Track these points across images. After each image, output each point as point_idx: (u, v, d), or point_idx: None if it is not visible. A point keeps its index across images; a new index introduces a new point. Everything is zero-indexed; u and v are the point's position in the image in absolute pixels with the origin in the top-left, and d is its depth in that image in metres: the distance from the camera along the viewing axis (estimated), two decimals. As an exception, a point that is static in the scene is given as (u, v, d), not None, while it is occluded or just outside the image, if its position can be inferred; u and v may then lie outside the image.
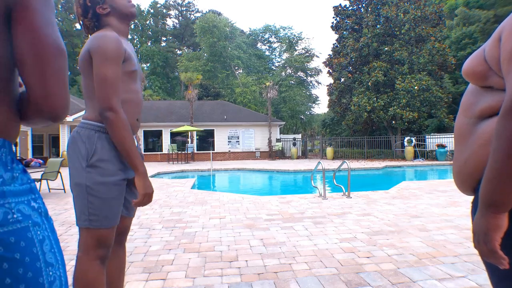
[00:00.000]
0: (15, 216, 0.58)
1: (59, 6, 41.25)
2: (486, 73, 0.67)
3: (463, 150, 0.73)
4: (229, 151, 22.00)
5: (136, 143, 1.44)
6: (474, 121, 0.70)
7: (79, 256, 1.39)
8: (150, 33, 47.10)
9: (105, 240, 1.41)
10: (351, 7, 22.31)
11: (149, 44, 45.85)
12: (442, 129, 21.01)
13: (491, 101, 0.67)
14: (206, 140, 22.00)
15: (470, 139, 0.71)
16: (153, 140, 21.81)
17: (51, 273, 0.62)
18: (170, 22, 50.76)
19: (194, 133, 21.20)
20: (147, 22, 47.13)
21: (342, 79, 22.29)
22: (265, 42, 43.32)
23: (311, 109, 41.20)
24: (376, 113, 18.69)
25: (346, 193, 5.96)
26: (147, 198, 1.40)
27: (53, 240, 0.65)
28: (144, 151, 21.29)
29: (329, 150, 19.85)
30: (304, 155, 22.71)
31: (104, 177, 1.36)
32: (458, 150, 0.76)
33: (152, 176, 11.00)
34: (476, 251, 2.80)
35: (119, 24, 1.48)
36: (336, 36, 23.53)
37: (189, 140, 20.91)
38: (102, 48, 1.30)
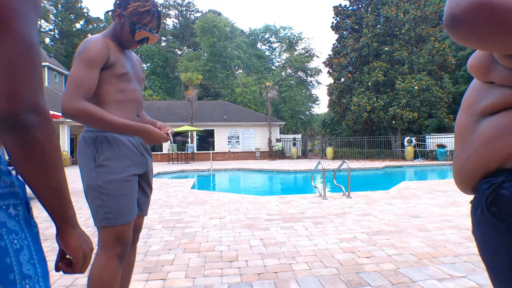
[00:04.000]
0: None
1: (59, 6, 41.24)
2: (490, 65, 0.67)
3: (464, 148, 0.73)
4: (229, 151, 22.00)
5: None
6: (476, 119, 0.70)
7: (97, 253, 1.42)
8: (150, 33, 47.04)
9: (123, 237, 1.43)
10: (351, 7, 22.31)
11: (149, 44, 45.84)
12: (442, 129, 21.01)
13: (493, 98, 0.66)
14: (206, 140, 22.01)
15: (471, 137, 0.70)
16: (153, 140, 21.80)
17: (27, 286, 0.57)
18: (170, 22, 50.77)
19: (194, 133, 21.20)
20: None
21: (342, 79, 22.29)
22: (265, 42, 43.34)
23: (311, 109, 41.22)
24: (376, 113, 18.70)
25: (346, 193, 5.96)
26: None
27: (34, 250, 0.59)
28: (144, 151, 21.28)
29: (329, 150, 19.85)
30: (304, 155, 22.71)
31: (113, 175, 1.41)
32: (459, 148, 0.75)
33: (152, 176, 11.00)
34: (476, 251, 2.80)
35: (117, 37, 1.54)
36: (336, 36, 23.55)
37: (189, 140, 20.91)
38: (79, 50, 1.39)
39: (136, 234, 1.67)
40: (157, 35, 1.60)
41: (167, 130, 1.61)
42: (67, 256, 0.78)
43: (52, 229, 3.86)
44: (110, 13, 1.55)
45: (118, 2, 1.52)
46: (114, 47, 1.52)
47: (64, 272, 0.79)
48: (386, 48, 19.26)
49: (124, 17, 1.50)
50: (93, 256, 1.33)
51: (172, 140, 1.64)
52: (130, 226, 1.47)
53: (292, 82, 36.20)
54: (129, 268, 1.67)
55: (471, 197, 0.73)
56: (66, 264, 0.78)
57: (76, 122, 1.43)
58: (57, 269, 0.78)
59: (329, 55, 23.60)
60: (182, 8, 50.35)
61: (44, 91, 0.65)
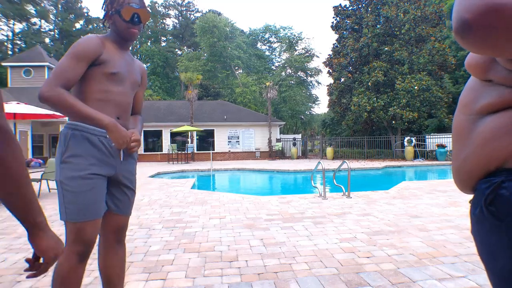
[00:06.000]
0: None
1: (59, 6, 41.24)
2: (488, 64, 0.66)
3: (462, 147, 0.73)
4: (229, 151, 22.00)
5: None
6: (474, 118, 0.69)
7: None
8: (149, 33, 47.10)
9: (84, 235, 1.44)
10: (351, 7, 22.30)
11: (149, 44, 45.85)
12: (442, 129, 21.00)
13: (490, 97, 0.66)
14: (206, 140, 22.01)
15: (470, 137, 0.70)
16: (153, 140, 21.81)
17: None
18: (170, 22, 50.80)
19: (194, 133, 21.20)
20: (146, 22, 47.11)
21: (342, 79, 22.27)
22: (265, 42, 43.35)
23: (311, 109, 41.22)
24: (376, 113, 18.69)
25: (346, 193, 5.96)
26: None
27: None
28: (144, 151, 21.30)
29: (329, 150, 19.85)
30: (304, 155, 22.71)
31: (74, 172, 1.43)
32: (457, 148, 0.75)
33: (152, 176, 11.01)
34: (476, 251, 2.80)
35: (117, 37, 1.60)
36: (336, 36, 23.53)
37: (189, 140, 20.91)
38: (72, 46, 1.46)
39: (120, 233, 1.68)
40: (145, 8, 1.61)
41: (131, 138, 1.59)
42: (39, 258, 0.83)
43: (53, 229, 3.86)
44: (105, 22, 1.63)
45: (104, 6, 1.60)
46: (112, 47, 1.57)
47: (28, 277, 0.85)
48: (386, 48, 19.25)
49: (112, 14, 1.56)
50: None
51: (123, 155, 1.61)
52: (92, 224, 1.46)
53: (292, 82, 36.20)
54: (119, 267, 1.68)
55: (471, 197, 0.73)
56: (37, 266, 0.83)
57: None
58: (27, 272, 0.84)
59: (329, 55, 23.58)
60: (182, 8, 50.34)
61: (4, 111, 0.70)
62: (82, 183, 1.44)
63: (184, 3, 50.03)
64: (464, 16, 0.52)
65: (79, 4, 43.08)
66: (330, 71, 23.29)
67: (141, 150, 21.08)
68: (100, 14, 1.67)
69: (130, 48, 1.73)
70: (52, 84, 1.35)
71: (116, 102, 1.57)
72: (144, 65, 1.90)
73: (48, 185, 7.32)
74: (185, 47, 48.65)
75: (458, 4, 0.55)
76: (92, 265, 2.65)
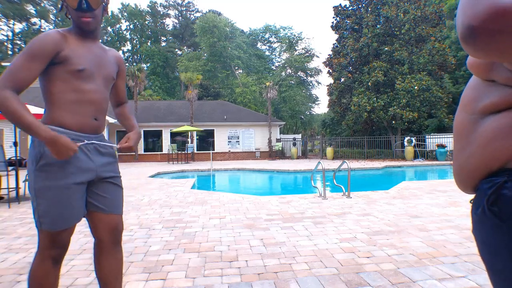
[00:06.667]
0: None
1: (59, 6, 41.25)
2: (491, 64, 0.66)
3: (463, 147, 0.72)
4: (229, 151, 22.01)
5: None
6: (476, 118, 0.69)
7: (36, 252, 1.44)
8: (149, 33, 47.09)
9: (60, 241, 1.42)
10: (351, 7, 22.30)
11: (149, 44, 45.85)
12: (442, 129, 21.00)
13: (493, 97, 0.65)
14: (206, 140, 22.02)
15: (472, 136, 0.69)
16: (153, 140, 21.82)
17: None
18: (169, 22, 50.80)
19: (194, 133, 21.21)
20: (146, 22, 47.12)
21: (342, 79, 22.28)
22: (265, 42, 43.36)
23: (311, 109, 41.24)
24: (376, 113, 18.69)
25: (346, 193, 5.96)
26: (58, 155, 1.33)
27: None
28: (144, 151, 21.31)
29: (329, 150, 19.85)
30: (304, 155, 22.71)
31: (51, 181, 1.36)
32: (459, 148, 0.74)
33: (152, 176, 11.01)
34: (476, 251, 2.80)
35: (77, 28, 1.49)
36: (336, 36, 23.54)
37: (189, 140, 20.91)
38: (29, 43, 1.36)
39: (115, 234, 1.61)
40: None
41: (124, 145, 1.55)
42: None
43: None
44: (66, 15, 1.54)
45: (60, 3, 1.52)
46: (76, 41, 1.45)
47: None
48: (386, 48, 19.26)
49: (63, 4, 1.48)
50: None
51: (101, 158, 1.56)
52: (65, 231, 1.43)
53: (292, 82, 36.22)
54: (116, 269, 1.62)
55: (471, 197, 0.73)
56: None
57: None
58: None
59: (329, 55, 23.59)
60: (182, 8, 50.34)
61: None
62: (59, 193, 1.37)
63: (184, 3, 50.03)
64: (470, 22, 0.51)
65: (79, 4, 43.02)
66: (330, 71, 23.30)
67: (141, 150, 21.09)
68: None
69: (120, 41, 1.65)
70: (0, 85, 1.24)
71: (90, 102, 1.46)
72: (120, 53, 1.75)
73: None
74: (185, 47, 48.64)
75: (463, 10, 0.54)
76: (92, 265, 2.65)
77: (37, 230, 1.45)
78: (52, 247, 1.41)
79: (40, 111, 6.30)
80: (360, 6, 21.73)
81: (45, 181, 1.36)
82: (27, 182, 7.45)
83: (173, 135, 21.05)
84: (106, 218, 1.57)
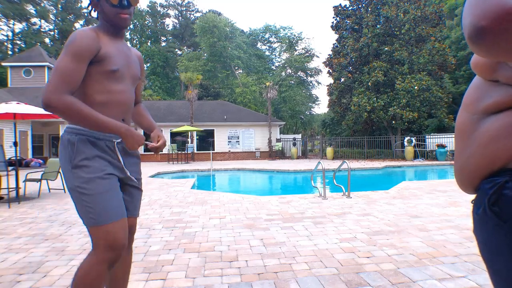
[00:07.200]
0: None
1: (59, 6, 41.24)
2: (496, 64, 0.66)
3: (465, 147, 0.72)
4: (229, 151, 22.00)
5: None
6: (478, 117, 0.69)
7: (89, 253, 1.38)
8: (149, 32, 47.09)
9: (114, 239, 1.36)
10: (351, 7, 22.30)
11: (149, 44, 45.85)
12: (442, 129, 21.01)
13: (497, 96, 0.65)
14: (206, 140, 22.01)
15: (473, 135, 0.69)
16: (153, 140, 21.79)
17: None
18: (169, 22, 50.78)
19: (194, 133, 21.20)
20: (146, 22, 47.11)
21: (342, 79, 22.29)
22: (265, 42, 43.36)
23: (311, 109, 41.25)
24: (376, 113, 18.69)
25: (346, 193, 5.96)
26: (134, 146, 1.43)
27: None
28: (144, 151, 21.30)
29: (329, 150, 19.85)
30: (304, 155, 22.71)
31: (91, 173, 1.35)
32: (460, 147, 0.74)
33: (152, 176, 11.01)
34: (476, 251, 2.80)
35: (109, 26, 1.46)
36: (336, 36, 23.54)
37: (189, 140, 20.91)
38: (69, 41, 1.31)
39: (129, 235, 1.61)
40: None
41: (155, 144, 1.57)
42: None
43: (52, 229, 3.86)
44: (92, 13, 1.49)
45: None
46: (107, 39, 1.42)
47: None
48: (386, 48, 19.26)
49: (99, 1, 1.43)
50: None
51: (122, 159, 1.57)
52: (120, 225, 1.39)
53: (292, 82, 36.23)
54: (124, 269, 1.62)
55: (472, 197, 0.73)
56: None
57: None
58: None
59: (329, 55, 23.59)
60: (182, 8, 50.32)
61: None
62: (101, 183, 1.36)
63: (184, 3, 50.00)
64: (479, 22, 0.51)
65: (79, 4, 43.06)
66: (330, 71, 23.30)
67: (141, 150, 21.09)
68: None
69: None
70: (59, 91, 1.22)
71: (119, 103, 1.45)
72: (139, 52, 1.77)
73: (48, 185, 7.32)
74: (185, 47, 48.64)
75: (471, 10, 0.53)
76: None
77: (89, 234, 1.38)
78: (109, 249, 1.35)
79: (41, 111, 6.31)
80: (360, 6, 21.74)
81: (85, 174, 1.35)
82: (45, 180, 7.45)
83: (173, 135, 21.04)
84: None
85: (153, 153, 1.62)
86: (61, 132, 17.55)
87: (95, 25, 1.47)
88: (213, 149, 21.46)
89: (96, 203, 1.34)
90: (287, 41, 39.03)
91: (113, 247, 1.36)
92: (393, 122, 18.82)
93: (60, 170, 6.94)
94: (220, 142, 22.01)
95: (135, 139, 1.40)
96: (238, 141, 22.23)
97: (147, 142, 1.62)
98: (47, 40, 40.82)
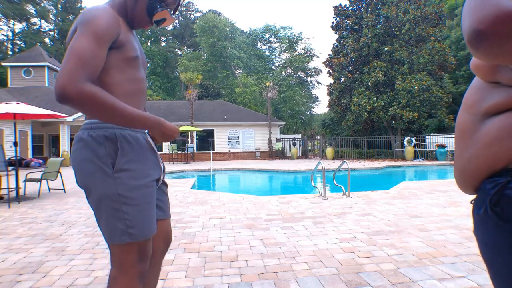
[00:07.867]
0: None
1: (59, 6, 41.24)
2: (495, 67, 0.66)
3: (466, 147, 0.72)
4: (229, 151, 22.00)
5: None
6: (479, 118, 0.69)
7: (115, 276, 1.15)
8: (149, 32, 47.09)
9: (146, 252, 1.20)
10: (351, 7, 22.31)
11: (149, 44, 45.86)
12: (442, 129, 21.01)
13: (498, 98, 0.65)
14: (206, 140, 22.01)
15: (475, 137, 0.69)
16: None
17: None
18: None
19: (194, 133, 21.20)
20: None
21: (342, 79, 22.29)
22: (265, 42, 43.34)
23: (311, 109, 41.24)
24: (376, 113, 18.70)
25: (346, 193, 5.96)
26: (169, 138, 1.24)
27: None
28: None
29: (329, 150, 19.85)
30: (304, 155, 22.71)
31: (137, 180, 1.15)
32: (461, 148, 0.74)
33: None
34: (476, 251, 2.80)
35: (125, 12, 1.26)
36: (336, 36, 23.54)
37: (189, 140, 20.91)
38: (87, 19, 1.06)
39: (168, 241, 1.43)
40: (173, 17, 1.33)
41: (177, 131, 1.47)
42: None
43: (52, 229, 3.86)
44: None
45: None
46: (124, 24, 1.21)
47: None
48: (386, 48, 19.26)
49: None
50: (108, 277, 1.18)
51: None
52: (151, 239, 1.24)
53: (292, 82, 36.22)
54: (154, 282, 1.42)
55: (472, 197, 0.73)
56: None
57: (75, 123, 1.26)
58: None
59: (329, 55, 23.58)
60: (182, 8, 50.29)
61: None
62: (147, 192, 1.17)
63: (184, 3, 49.99)
64: (478, 26, 0.51)
65: (79, 4, 43.06)
66: (330, 71, 23.30)
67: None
68: None
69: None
70: (78, 78, 0.95)
71: (142, 92, 1.27)
72: None
73: (48, 185, 7.32)
74: (185, 47, 48.63)
75: (470, 14, 0.53)
76: (93, 265, 2.65)
77: (109, 248, 1.16)
78: (139, 262, 1.17)
79: (41, 111, 6.30)
80: (360, 6, 21.74)
81: (131, 181, 1.13)
82: (44, 181, 7.44)
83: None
84: (164, 224, 1.40)
85: None
86: (61, 132, 17.53)
87: (106, 3, 1.24)
88: (213, 149, 21.46)
89: (139, 215, 1.14)
90: (287, 41, 39.03)
91: (143, 259, 1.19)
92: (393, 122, 18.82)
93: (60, 170, 6.95)
94: (220, 142, 22.01)
95: (173, 131, 1.23)
96: (238, 141, 22.23)
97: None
98: (47, 40, 40.82)
